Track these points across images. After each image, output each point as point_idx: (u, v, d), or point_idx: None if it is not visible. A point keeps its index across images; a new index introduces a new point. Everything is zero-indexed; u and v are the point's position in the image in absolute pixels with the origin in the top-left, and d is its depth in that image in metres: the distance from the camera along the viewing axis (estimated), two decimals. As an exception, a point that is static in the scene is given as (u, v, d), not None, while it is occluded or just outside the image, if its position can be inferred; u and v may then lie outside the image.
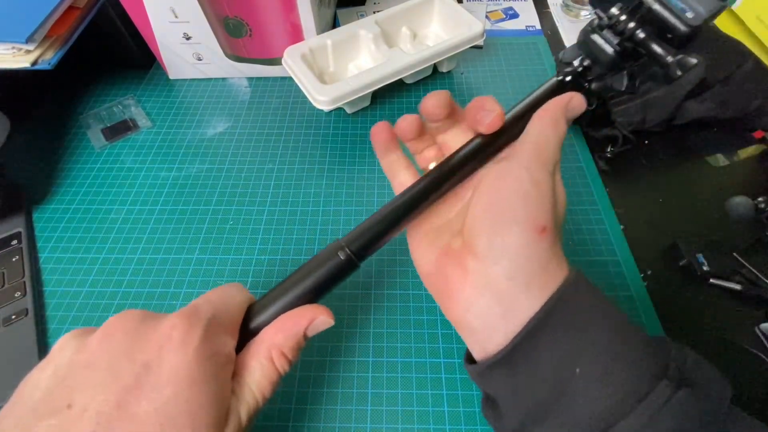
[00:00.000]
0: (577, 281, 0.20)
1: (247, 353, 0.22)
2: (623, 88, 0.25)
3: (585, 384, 0.18)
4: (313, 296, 0.23)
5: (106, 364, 0.18)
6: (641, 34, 0.23)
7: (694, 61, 0.23)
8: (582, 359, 0.18)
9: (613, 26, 0.23)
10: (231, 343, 0.21)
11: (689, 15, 0.22)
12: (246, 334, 0.23)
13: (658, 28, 0.23)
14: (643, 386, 0.17)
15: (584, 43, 0.25)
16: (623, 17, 0.23)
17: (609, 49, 0.24)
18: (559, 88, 0.25)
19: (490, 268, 0.19)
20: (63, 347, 0.20)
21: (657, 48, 0.23)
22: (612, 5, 0.23)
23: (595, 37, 0.24)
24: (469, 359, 0.22)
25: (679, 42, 0.23)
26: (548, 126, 0.22)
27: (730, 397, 0.18)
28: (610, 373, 0.17)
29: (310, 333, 0.24)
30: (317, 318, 0.23)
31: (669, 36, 0.23)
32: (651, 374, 0.17)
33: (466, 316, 0.20)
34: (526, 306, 0.19)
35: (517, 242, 0.19)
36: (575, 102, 0.23)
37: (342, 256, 0.23)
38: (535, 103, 0.24)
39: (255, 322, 0.23)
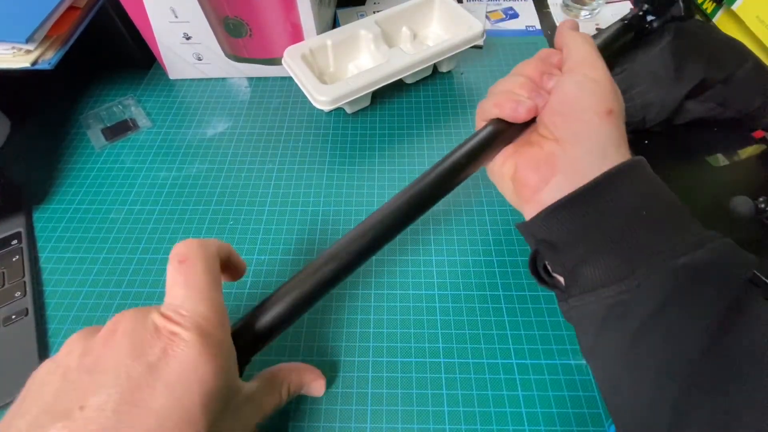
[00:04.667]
0: (642, 160, 0.24)
1: (264, 378, 0.25)
2: (682, 14, 0.31)
3: (649, 224, 0.21)
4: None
5: (112, 366, 0.19)
6: None
7: None
8: (648, 206, 0.22)
9: None
10: (227, 338, 0.22)
11: None
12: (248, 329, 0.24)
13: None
14: (700, 235, 0.21)
15: None
16: None
17: None
18: (625, 30, 0.30)
19: (570, 150, 0.24)
20: (70, 350, 0.20)
21: None
22: None
23: None
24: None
25: None
26: (578, 38, 0.27)
27: (755, 263, 0.20)
28: (671, 220, 0.22)
29: (305, 391, 0.27)
30: (317, 382, 0.27)
31: None
32: (702, 229, 0.21)
33: (542, 191, 0.25)
34: (598, 170, 0.23)
35: (590, 123, 0.23)
36: (571, 23, 0.29)
37: None
38: (604, 46, 0.30)
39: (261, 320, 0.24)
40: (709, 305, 0.19)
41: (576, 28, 0.29)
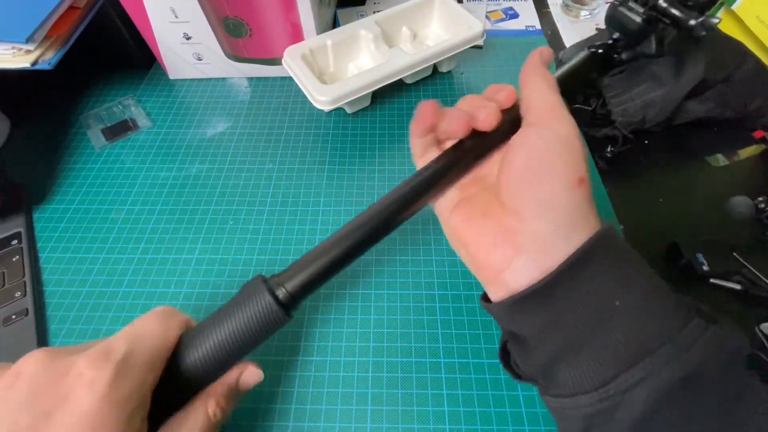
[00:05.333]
0: (612, 228, 0.20)
1: (179, 414, 0.22)
2: (653, 52, 0.27)
3: (624, 316, 0.18)
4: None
5: (5, 415, 0.18)
6: (663, 3, 0.26)
7: (716, 20, 0.25)
8: (622, 293, 0.18)
9: None
10: (149, 380, 0.20)
11: None
12: (175, 370, 0.21)
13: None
14: (679, 321, 0.18)
15: (613, 17, 0.28)
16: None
17: (637, 18, 0.26)
18: (591, 60, 0.27)
19: (533, 224, 0.20)
20: None
21: (679, 13, 0.25)
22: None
23: (623, 10, 0.27)
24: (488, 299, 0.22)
25: (701, 7, 0.26)
26: (542, 84, 0.22)
27: (748, 347, 0.19)
28: (648, 308, 0.18)
29: (242, 386, 0.24)
30: (246, 369, 0.24)
31: (690, 3, 0.26)
32: (685, 312, 0.18)
33: (503, 271, 0.20)
34: (565, 248, 0.19)
35: (559, 194, 0.20)
36: (545, 53, 0.24)
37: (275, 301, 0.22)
38: (570, 74, 0.26)
39: (186, 356, 0.22)
40: (705, 407, 0.17)
41: (549, 60, 0.24)
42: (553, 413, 0.21)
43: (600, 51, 0.27)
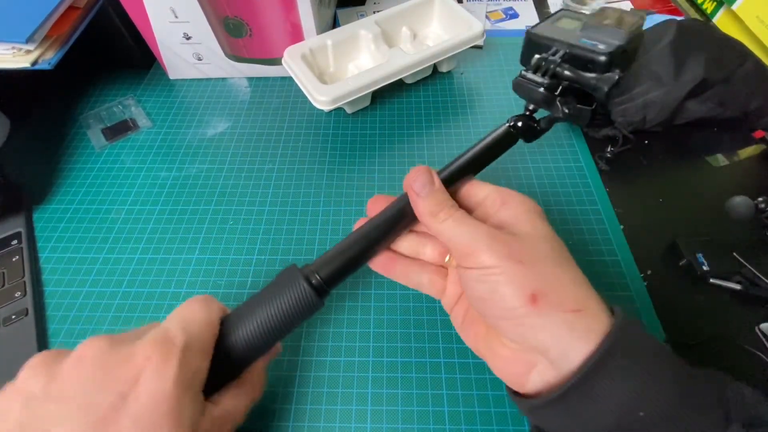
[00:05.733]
0: (624, 326, 0.18)
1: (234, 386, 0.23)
2: (561, 116, 0.28)
3: (650, 427, 0.17)
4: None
5: (80, 396, 0.18)
6: (567, 72, 0.28)
7: (615, 76, 0.27)
8: (645, 402, 0.17)
9: (538, 70, 0.28)
10: (204, 364, 0.21)
11: (601, 47, 0.28)
12: (222, 353, 0.23)
13: (582, 65, 0.28)
14: (711, 422, 0.17)
15: (519, 89, 0.29)
16: (543, 63, 0.28)
17: (539, 89, 0.28)
18: (509, 135, 0.27)
19: (522, 349, 0.20)
20: (33, 375, 0.19)
21: (584, 76, 0.27)
22: (532, 71, 0.29)
23: (525, 82, 0.28)
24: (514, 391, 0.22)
25: (603, 68, 0.27)
26: (445, 227, 0.22)
27: None
28: (678, 418, 0.17)
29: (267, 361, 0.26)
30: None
31: (590, 66, 0.28)
32: (719, 416, 0.17)
33: (524, 379, 0.20)
34: (575, 356, 0.18)
35: (520, 325, 0.19)
36: (423, 177, 0.23)
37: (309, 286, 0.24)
38: (489, 147, 0.26)
39: (231, 341, 0.23)
40: None
41: (428, 180, 0.23)
42: None
43: (519, 123, 0.27)
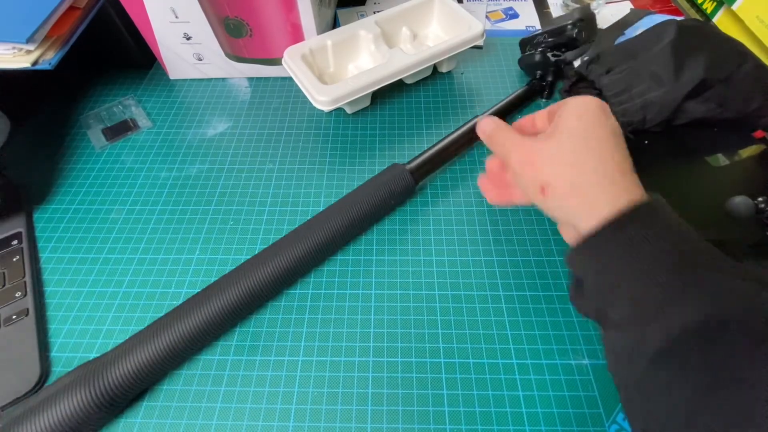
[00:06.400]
0: (651, 201, 0.23)
1: None
2: (551, 78, 0.45)
3: (668, 273, 0.21)
4: None
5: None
6: (549, 38, 0.45)
7: (586, 54, 0.42)
8: (665, 257, 0.21)
9: (536, 46, 0.46)
10: None
11: (568, 21, 0.45)
12: None
13: (557, 33, 0.45)
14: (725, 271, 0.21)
15: (522, 62, 0.48)
16: (535, 38, 0.46)
17: (537, 56, 0.45)
18: (530, 89, 0.45)
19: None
20: None
21: (558, 36, 0.45)
22: (532, 49, 0.47)
23: (524, 58, 0.47)
24: None
25: (570, 31, 0.45)
26: (488, 142, 0.28)
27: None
28: (689, 273, 0.21)
29: None
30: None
31: (563, 50, 0.45)
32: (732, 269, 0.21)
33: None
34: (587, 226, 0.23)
35: (545, 211, 0.25)
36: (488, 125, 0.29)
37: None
38: (513, 101, 0.44)
39: None
40: (732, 345, 0.18)
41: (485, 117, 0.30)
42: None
43: (534, 84, 0.45)
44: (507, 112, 0.43)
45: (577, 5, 0.55)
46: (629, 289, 0.21)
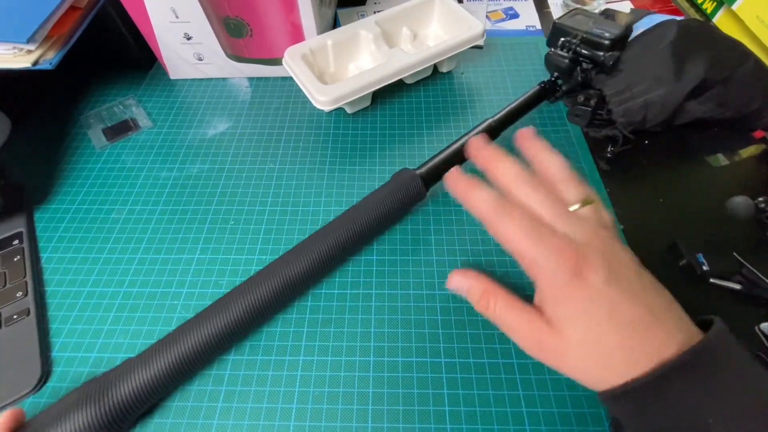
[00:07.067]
0: (719, 336, 0.19)
1: None
2: (579, 81, 0.41)
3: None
4: None
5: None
6: (584, 51, 0.40)
7: (616, 53, 0.39)
8: (716, 411, 0.18)
9: (563, 48, 0.41)
10: None
11: (606, 34, 0.39)
12: None
13: (592, 46, 0.40)
14: None
15: (548, 61, 0.42)
16: (567, 44, 0.40)
17: (565, 60, 0.40)
18: (540, 91, 0.41)
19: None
20: None
21: (591, 52, 0.40)
22: (559, 48, 0.41)
23: (554, 56, 0.41)
24: None
25: (607, 49, 0.39)
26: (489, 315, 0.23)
27: None
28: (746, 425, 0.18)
29: None
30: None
31: (598, 48, 0.39)
32: None
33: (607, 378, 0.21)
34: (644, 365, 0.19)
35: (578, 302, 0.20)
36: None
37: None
38: (524, 103, 0.40)
39: None
40: None
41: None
42: None
43: (546, 86, 0.41)
44: (519, 114, 0.40)
45: (578, 5, 0.55)
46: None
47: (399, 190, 0.34)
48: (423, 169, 0.35)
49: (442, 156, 0.36)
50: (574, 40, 0.40)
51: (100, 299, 0.33)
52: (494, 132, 0.38)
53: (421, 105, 0.46)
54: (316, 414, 0.28)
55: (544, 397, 0.29)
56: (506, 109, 0.39)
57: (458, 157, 0.36)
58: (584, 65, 0.40)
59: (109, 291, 0.34)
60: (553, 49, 0.41)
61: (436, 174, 0.35)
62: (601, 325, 0.20)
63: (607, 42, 0.39)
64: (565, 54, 0.40)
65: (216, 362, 0.30)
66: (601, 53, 0.39)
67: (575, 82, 0.41)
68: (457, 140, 0.37)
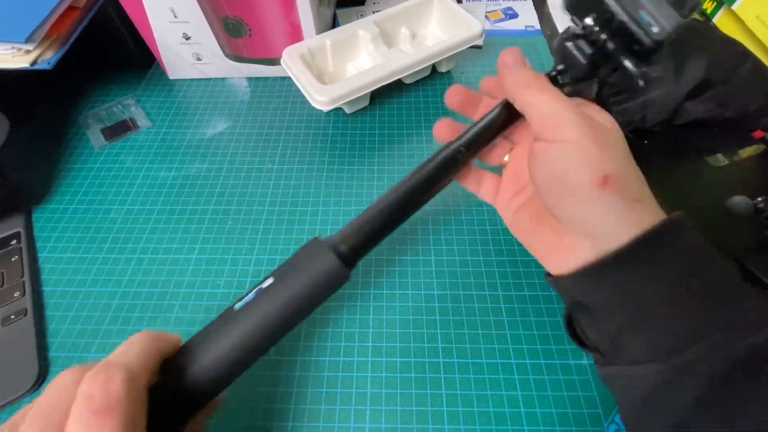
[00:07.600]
0: (675, 224, 0.20)
1: None
2: (593, 97, 0.26)
3: (700, 293, 0.18)
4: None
5: None
6: (611, 45, 0.23)
7: (655, 74, 0.27)
8: (699, 272, 0.19)
9: (587, 36, 0.24)
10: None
11: (655, 29, 0.23)
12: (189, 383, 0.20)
13: (627, 40, 0.23)
14: (757, 310, 0.18)
15: (559, 50, 0.26)
16: (596, 28, 0.23)
17: (582, 59, 0.24)
18: (552, 80, 0.26)
19: (574, 232, 0.21)
20: None
21: (625, 61, 0.24)
22: (586, 14, 0.24)
23: (570, 45, 0.25)
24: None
25: (644, 54, 0.23)
26: (532, 94, 0.22)
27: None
28: (725, 290, 0.19)
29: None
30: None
31: (636, 48, 0.23)
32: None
33: (568, 261, 0.21)
34: (623, 238, 0.19)
35: (584, 206, 0.20)
36: (513, 54, 0.24)
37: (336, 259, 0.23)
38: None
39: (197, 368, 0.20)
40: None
41: (519, 58, 0.24)
42: (610, 383, 0.22)
43: (550, 75, 0.26)
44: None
45: (577, 5, 0.54)
46: (666, 316, 0.19)
47: (311, 283, 0.23)
48: (342, 240, 0.24)
49: (370, 227, 0.24)
50: (602, 34, 0.23)
51: (97, 299, 0.33)
52: (478, 139, 0.27)
53: (419, 105, 0.46)
54: (314, 414, 0.28)
55: (542, 398, 0.29)
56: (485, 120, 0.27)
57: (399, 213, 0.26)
58: (606, 75, 0.26)
59: (107, 291, 0.34)
60: (572, 29, 0.25)
61: (363, 245, 0.24)
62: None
63: (648, 42, 0.23)
64: (587, 50, 0.24)
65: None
66: (633, 68, 0.23)
67: (585, 94, 0.27)
68: (385, 196, 0.26)
